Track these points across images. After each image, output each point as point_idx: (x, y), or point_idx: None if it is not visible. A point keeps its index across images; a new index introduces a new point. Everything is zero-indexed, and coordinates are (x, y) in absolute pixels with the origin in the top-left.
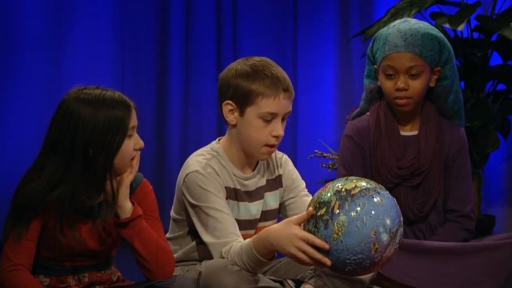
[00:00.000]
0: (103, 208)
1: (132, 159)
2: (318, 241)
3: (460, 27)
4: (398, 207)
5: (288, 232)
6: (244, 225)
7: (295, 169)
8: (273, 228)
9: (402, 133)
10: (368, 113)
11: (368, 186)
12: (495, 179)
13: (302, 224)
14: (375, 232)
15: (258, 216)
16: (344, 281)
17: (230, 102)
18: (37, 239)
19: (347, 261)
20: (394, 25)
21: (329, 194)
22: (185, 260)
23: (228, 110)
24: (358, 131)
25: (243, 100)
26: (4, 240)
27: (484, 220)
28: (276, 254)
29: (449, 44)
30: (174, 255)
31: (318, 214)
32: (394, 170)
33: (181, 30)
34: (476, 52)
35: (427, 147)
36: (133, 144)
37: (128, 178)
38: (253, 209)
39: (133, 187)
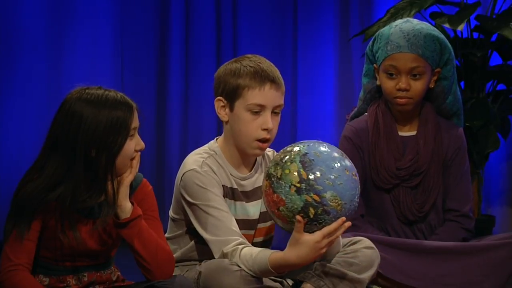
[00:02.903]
0: (104, 209)
1: (132, 159)
2: (333, 226)
3: (460, 27)
4: (318, 141)
5: (307, 245)
6: (242, 225)
7: None
8: (291, 254)
9: (401, 133)
10: (366, 113)
11: (301, 159)
12: (495, 179)
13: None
14: (346, 169)
15: (256, 217)
16: (344, 281)
17: (221, 98)
18: (37, 239)
19: (356, 202)
20: (396, 25)
21: (297, 199)
22: (184, 260)
23: (220, 106)
24: (356, 132)
25: (232, 95)
26: (4, 240)
27: (484, 220)
28: None
29: (449, 45)
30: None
31: (312, 216)
32: (393, 171)
33: (181, 30)
34: (476, 52)
35: (425, 148)
36: (134, 145)
37: (128, 178)
38: (250, 209)
39: (133, 187)
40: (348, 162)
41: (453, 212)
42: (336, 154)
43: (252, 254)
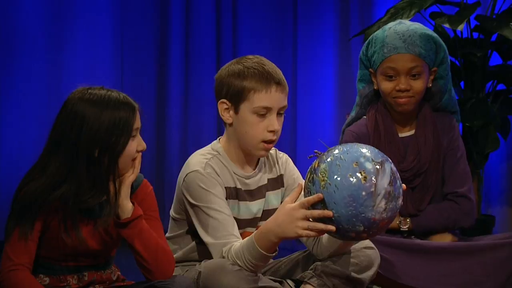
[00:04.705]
0: (105, 209)
1: (134, 159)
2: (311, 198)
3: (460, 27)
4: (378, 150)
5: (284, 210)
6: (245, 224)
7: (296, 168)
8: (270, 219)
9: (401, 134)
10: (365, 117)
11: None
12: (495, 179)
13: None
14: (356, 162)
15: (259, 215)
16: (343, 281)
17: (225, 100)
18: (38, 239)
19: (344, 201)
20: (390, 27)
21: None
22: (185, 260)
23: (224, 108)
24: (357, 137)
25: (237, 97)
26: (5, 240)
27: (484, 220)
28: (277, 250)
29: (444, 44)
30: (174, 255)
31: (307, 181)
32: None
33: (181, 30)
34: (476, 52)
35: (426, 146)
36: (136, 145)
37: (129, 178)
38: (254, 208)
39: (133, 188)
40: (367, 165)
41: (451, 194)
42: (369, 165)
43: (242, 243)
